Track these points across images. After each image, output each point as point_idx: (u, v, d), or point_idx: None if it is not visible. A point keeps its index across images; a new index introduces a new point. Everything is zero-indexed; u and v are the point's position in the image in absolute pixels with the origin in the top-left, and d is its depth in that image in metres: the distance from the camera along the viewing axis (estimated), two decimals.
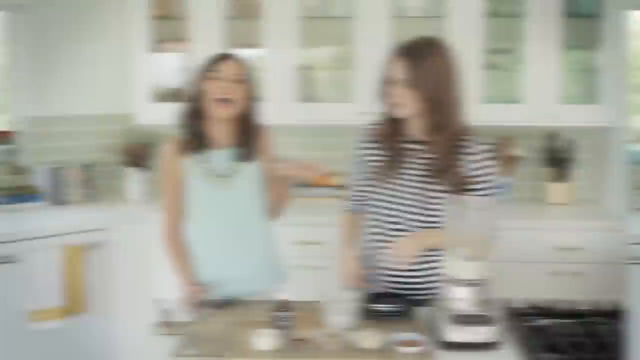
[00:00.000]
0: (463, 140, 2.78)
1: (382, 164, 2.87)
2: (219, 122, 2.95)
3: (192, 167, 2.97)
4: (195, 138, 2.95)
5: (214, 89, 2.87)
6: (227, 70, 2.89)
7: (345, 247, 3.05)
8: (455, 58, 2.76)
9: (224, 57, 2.93)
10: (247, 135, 3.00)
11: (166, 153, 3.01)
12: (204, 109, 2.92)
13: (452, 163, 2.76)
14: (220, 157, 2.98)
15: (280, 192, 3.07)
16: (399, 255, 2.74)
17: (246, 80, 2.94)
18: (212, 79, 2.88)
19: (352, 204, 3.08)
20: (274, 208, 3.11)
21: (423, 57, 2.70)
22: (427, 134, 2.80)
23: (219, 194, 2.97)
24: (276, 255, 3.14)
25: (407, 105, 2.74)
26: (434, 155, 2.78)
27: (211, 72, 2.89)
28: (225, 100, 2.88)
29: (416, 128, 2.83)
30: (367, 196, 2.98)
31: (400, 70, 2.72)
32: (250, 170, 3.01)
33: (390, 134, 2.87)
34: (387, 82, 2.79)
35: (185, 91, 2.97)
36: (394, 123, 2.86)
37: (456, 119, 2.77)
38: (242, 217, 3.00)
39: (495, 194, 2.80)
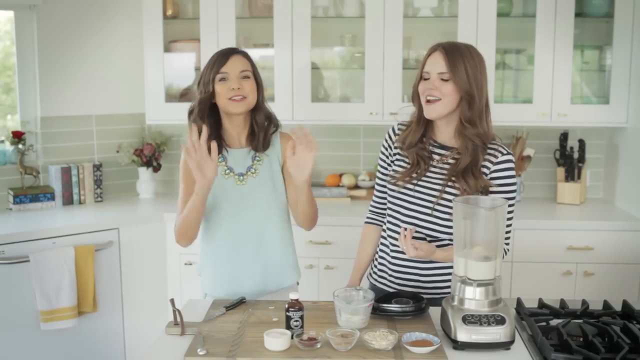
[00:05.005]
0: (488, 145, 2.80)
1: (407, 168, 2.88)
2: (235, 119, 3.02)
3: None
4: (213, 138, 2.98)
5: (226, 90, 2.94)
6: (233, 69, 2.96)
7: (356, 258, 3.15)
8: (485, 66, 2.81)
9: (227, 55, 2.99)
10: (261, 128, 3.05)
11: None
12: (220, 108, 3.00)
13: (475, 164, 2.76)
14: (237, 155, 3.04)
15: (308, 197, 2.99)
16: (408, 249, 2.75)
17: (252, 73, 3.01)
18: (221, 81, 2.95)
19: (370, 215, 3.14)
20: (308, 217, 3.06)
21: (460, 52, 2.74)
22: (457, 133, 2.82)
23: (236, 192, 3.01)
24: (291, 255, 3.14)
25: (442, 99, 2.75)
26: (459, 156, 2.79)
27: (219, 73, 2.95)
28: (237, 97, 2.94)
29: (444, 132, 2.86)
30: (385, 204, 3.01)
31: (438, 64, 2.76)
32: (267, 169, 3.04)
33: (418, 139, 2.88)
34: (423, 80, 2.81)
35: (197, 93, 3.01)
36: (421, 131, 2.87)
37: (484, 121, 2.79)
38: (258, 215, 3.02)
39: (513, 198, 2.79)
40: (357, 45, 4.82)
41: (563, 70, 4.53)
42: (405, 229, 2.74)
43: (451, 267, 2.80)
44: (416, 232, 2.85)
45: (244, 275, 3.03)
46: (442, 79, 2.74)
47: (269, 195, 3.04)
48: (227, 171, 3.02)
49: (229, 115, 3.01)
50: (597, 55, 4.70)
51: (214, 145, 2.80)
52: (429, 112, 2.80)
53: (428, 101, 2.78)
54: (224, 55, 2.99)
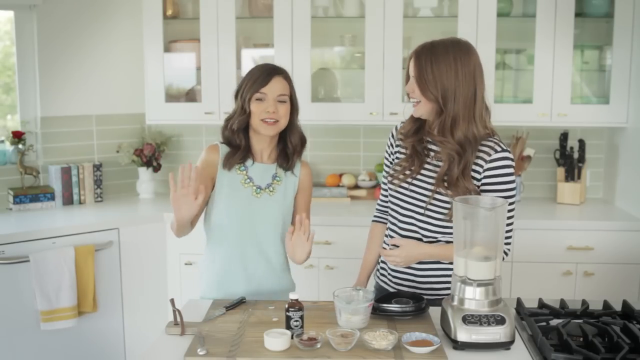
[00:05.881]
0: (478, 146, 2.74)
1: (402, 163, 2.88)
2: (262, 136, 3.03)
3: (232, 172, 3.03)
4: (239, 150, 3.02)
5: (260, 111, 2.95)
6: (272, 91, 2.96)
7: (363, 257, 3.17)
8: (472, 61, 2.73)
9: (269, 75, 2.97)
10: (289, 148, 3.08)
11: (204, 158, 3.05)
12: (250, 124, 3.00)
13: (454, 172, 2.72)
14: (258, 169, 3.06)
15: None
16: (391, 257, 2.82)
17: (289, 97, 3.02)
18: (258, 100, 2.95)
19: (376, 213, 3.17)
20: None
21: (431, 56, 2.70)
22: (428, 135, 2.82)
23: (250, 203, 3.02)
24: (286, 274, 3.17)
25: (421, 103, 2.75)
26: (442, 163, 2.77)
27: (257, 93, 2.95)
28: (270, 120, 2.95)
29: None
30: (388, 201, 3.00)
31: (411, 67, 2.77)
32: (282, 191, 3.06)
33: (414, 131, 2.88)
34: (406, 79, 2.84)
35: (235, 104, 3.03)
36: (417, 122, 2.88)
37: (466, 124, 2.72)
38: (263, 231, 3.04)
39: (511, 197, 2.76)
40: (357, 45, 4.82)
41: (563, 70, 4.53)
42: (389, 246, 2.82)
43: (446, 269, 2.84)
44: (412, 231, 2.86)
45: (236, 284, 3.05)
46: (415, 83, 2.75)
47: (277, 215, 3.06)
48: (247, 181, 3.03)
49: (259, 136, 3.03)
50: (597, 55, 4.70)
51: (201, 188, 2.76)
52: (414, 112, 2.83)
53: (411, 101, 2.81)
54: (266, 76, 2.97)
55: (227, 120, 3.05)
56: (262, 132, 2.98)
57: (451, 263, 2.77)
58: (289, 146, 3.07)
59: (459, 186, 2.71)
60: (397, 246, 2.84)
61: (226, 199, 3.02)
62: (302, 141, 3.11)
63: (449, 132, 2.72)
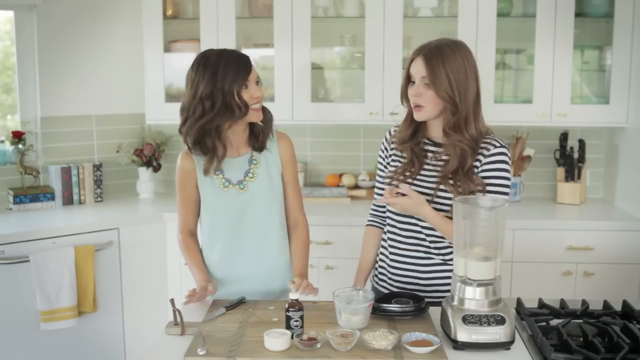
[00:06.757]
0: (481, 142, 2.78)
1: (401, 165, 2.88)
2: (238, 126, 2.92)
3: (209, 177, 2.97)
4: (210, 154, 2.91)
5: (248, 98, 2.83)
6: (253, 75, 2.87)
7: (359, 261, 3.15)
8: (474, 61, 2.77)
9: (247, 60, 2.86)
10: (261, 132, 2.98)
11: (180, 166, 3.01)
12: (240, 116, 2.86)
13: (466, 166, 2.74)
14: (234, 164, 2.98)
15: None
16: (393, 200, 2.79)
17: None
18: (247, 88, 2.83)
19: (370, 218, 3.15)
20: None
21: (441, 56, 2.71)
22: (445, 135, 2.80)
23: (237, 201, 2.97)
24: (289, 258, 3.13)
25: (425, 106, 2.75)
26: (449, 157, 2.78)
27: (244, 80, 2.82)
28: (258, 105, 2.88)
29: (437, 129, 2.85)
30: (384, 206, 3.00)
31: (418, 69, 2.75)
32: (264, 172, 3.00)
33: (410, 136, 2.88)
34: (407, 82, 2.82)
35: (206, 110, 2.84)
36: (415, 124, 2.88)
37: (472, 125, 2.75)
38: (260, 220, 3.00)
39: (507, 195, 2.78)
40: (357, 45, 4.82)
41: (563, 70, 4.53)
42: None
43: (450, 271, 2.81)
44: (414, 231, 2.86)
45: (246, 279, 3.02)
46: (426, 83, 2.74)
47: (268, 198, 3.01)
48: (226, 184, 2.97)
49: (232, 125, 2.90)
50: (597, 55, 4.70)
51: (212, 287, 2.85)
52: (417, 116, 2.82)
53: (416, 106, 2.80)
54: (246, 61, 2.85)
55: (194, 122, 2.87)
56: (253, 119, 2.89)
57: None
58: (258, 128, 2.97)
59: (470, 179, 2.73)
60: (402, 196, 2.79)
61: (213, 206, 2.99)
62: (269, 118, 2.99)
63: (464, 129, 2.74)
